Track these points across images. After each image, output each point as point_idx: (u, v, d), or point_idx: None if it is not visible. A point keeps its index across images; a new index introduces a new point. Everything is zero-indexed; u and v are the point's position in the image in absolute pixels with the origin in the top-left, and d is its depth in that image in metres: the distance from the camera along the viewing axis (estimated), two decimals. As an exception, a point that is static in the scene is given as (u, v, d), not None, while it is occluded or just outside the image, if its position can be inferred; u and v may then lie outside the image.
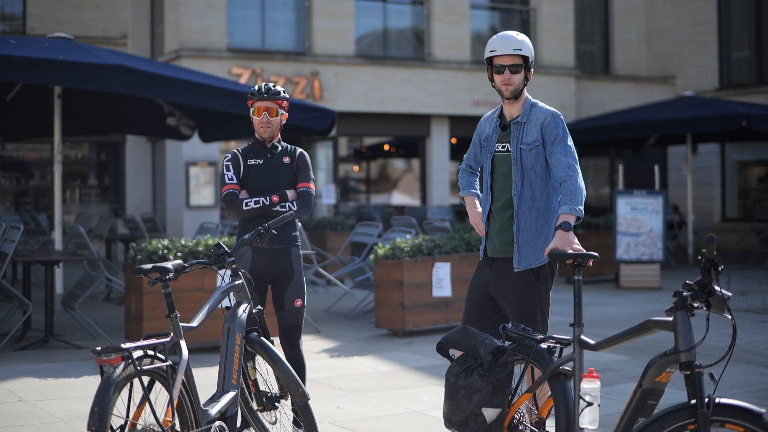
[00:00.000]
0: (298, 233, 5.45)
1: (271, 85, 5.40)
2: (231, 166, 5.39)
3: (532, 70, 4.65)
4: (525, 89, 4.66)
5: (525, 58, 4.58)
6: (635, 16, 22.28)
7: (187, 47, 16.97)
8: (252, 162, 5.39)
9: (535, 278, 4.58)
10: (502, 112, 4.74)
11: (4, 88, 10.44)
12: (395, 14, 19.45)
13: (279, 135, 5.47)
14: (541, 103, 4.69)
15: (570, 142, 4.58)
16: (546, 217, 4.60)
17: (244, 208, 5.29)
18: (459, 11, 19.35)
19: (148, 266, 4.07)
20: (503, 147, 4.68)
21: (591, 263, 4.15)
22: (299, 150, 5.51)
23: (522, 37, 4.63)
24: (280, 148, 5.44)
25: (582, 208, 4.43)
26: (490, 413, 4.12)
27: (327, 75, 18.00)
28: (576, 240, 4.36)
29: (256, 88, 5.39)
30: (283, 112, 5.41)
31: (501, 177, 4.69)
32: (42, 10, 19.47)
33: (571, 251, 4.23)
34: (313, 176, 5.52)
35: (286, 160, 5.42)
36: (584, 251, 4.20)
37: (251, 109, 5.38)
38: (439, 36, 19.17)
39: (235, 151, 5.44)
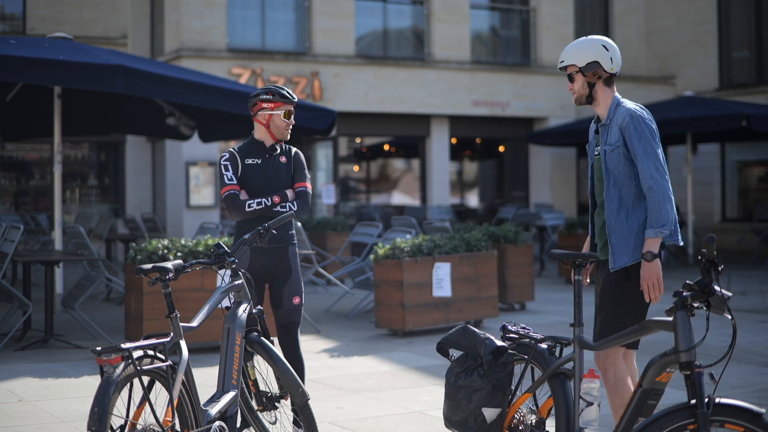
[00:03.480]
0: (294, 232, 5.47)
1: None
2: (230, 166, 5.37)
3: (600, 69, 4.54)
4: (604, 90, 4.58)
5: (577, 64, 4.56)
6: (635, 16, 22.29)
7: (187, 47, 16.97)
8: (250, 161, 5.39)
9: (626, 277, 4.43)
10: (598, 117, 4.71)
11: (4, 88, 10.44)
12: (395, 14, 19.45)
13: None
14: (626, 102, 4.57)
15: (649, 143, 4.41)
16: (636, 216, 4.47)
17: (247, 209, 5.29)
18: (459, 11, 19.35)
19: (148, 266, 4.07)
20: (597, 151, 4.66)
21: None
22: (294, 149, 5.54)
23: (574, 44, 4.62)
24: (278, 149, 5.45)
25: (669, 224, 4.31)
26: (490, 413, 4.12)
27: (327, 75, 18.00)
28: (660, 270, 4.27)
29: (284, 91, 5.41)
30: None
31: (597, 181, 4.65)
32: (42, 10, 19.47)
33: (563, 251, 4.22)
34: (308, 175, 5.54)
35: (283, 159, 5.44)
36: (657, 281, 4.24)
37: (276, 112, 5.37)
38: (439, 36, 19.17)
39: (231, 150, 5.43)
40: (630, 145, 4.46)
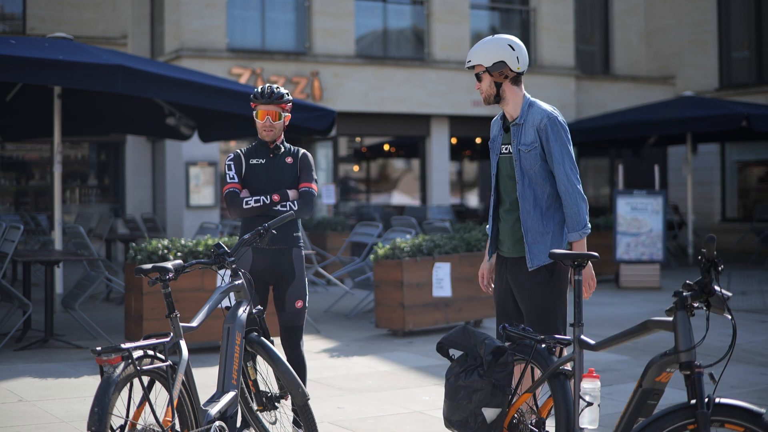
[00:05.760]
0: (300, 234, 5.43)
1: (274, 87, 5.36)
2: (233, 166, 5.38)
3: (506, 69, 4.58)
4: (512, 89, 4.63)
5: (483, 64, 4.60)
6: (635, 16, 22.28)
7: (187, 47, 16.97)
8: (254, 162, 5.37)
9: (549, 276, 4.57)
10: (505, 115, 4.77)
11: (4, 88, 10.44)
12: (395, 14, 19.45)
13: (282, 136, 5.46)
14: (539, 103, 4.67)
15: (565, 146, 4.57)
16: (550, 215, 4.61)
17: (245, 206, 5.27)
18: (459, 11, 19.35)
19: (148, 266, 4.07)
20: (506, 149, 4.72)
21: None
22: (302, 151, 5.49)
23: (480, 44, 4.64)
24: (283, 149, 5.42)
25: (587, 223, 4.57)
26: (490, 413, 4.12)
27: (327, 75, 18.00)
28: (593, 270, 4.51)
29: (259, 90, 5.34)
30: (287, 114, 5.39)
31: (506, 179, 4.73)
32: (42, 10, 19.47)
33: (564, 251, 4.29)
34: (315, 177, 5.48)
35: (289, 160, 5.40)
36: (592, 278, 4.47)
37: (254, 112, 5.36)
38: (439, 36, 19.17)
39: (237, 151, 5.44)
40: (546, 146, 4.58)
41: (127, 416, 3.78)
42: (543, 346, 4.15)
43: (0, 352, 8.22)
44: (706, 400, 3.28)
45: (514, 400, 4.22)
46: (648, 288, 13.49)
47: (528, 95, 4.70)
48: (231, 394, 4.25)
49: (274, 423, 4.78)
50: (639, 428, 3.36)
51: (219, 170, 17.62)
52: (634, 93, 21.49)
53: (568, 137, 4.62)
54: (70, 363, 7.85)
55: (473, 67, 4.65)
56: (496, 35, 4.72)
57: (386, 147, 21.48)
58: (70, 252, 10.16)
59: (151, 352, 3.86)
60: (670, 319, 3.48)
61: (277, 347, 4.72)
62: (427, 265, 9.48)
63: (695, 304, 3.44)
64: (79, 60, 8.63)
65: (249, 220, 5.33)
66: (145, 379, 3.84)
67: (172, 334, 4.04)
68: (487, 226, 4.94)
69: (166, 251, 8.16)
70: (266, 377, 4.75)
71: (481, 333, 4.26)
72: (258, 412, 4.76)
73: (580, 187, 4.57)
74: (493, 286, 4.88)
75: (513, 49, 4.60)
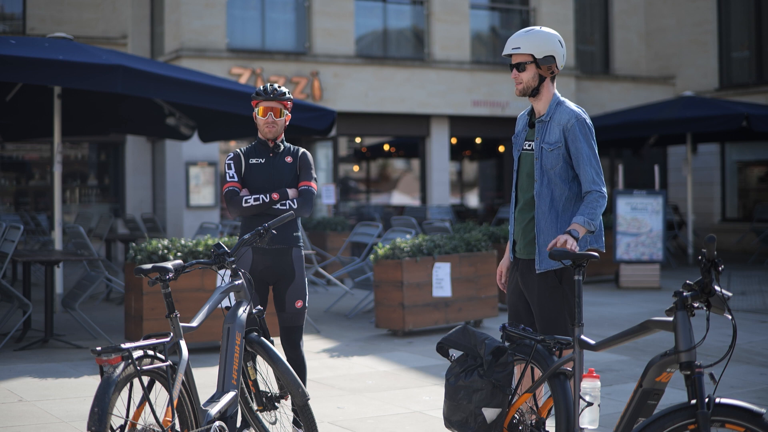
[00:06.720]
0: (300, 234, 5.43)
1: (276, 85, 5.39)
2: (232, 165, 5.39)
3: (554, 65, 4.52)
4: (549, 86, 4.57)
5: (533, 55, 4.50)
6: (635, 16, 22.28)
7: (187, 47, 16.97)
8: (254, 161, 5.38)
9: (559, 281, 4.49)
10: (533, 110, 4.69)
11: (4, 88, 10.44)
12: (395, 14, 19.45)
13: (282, 135, 5.47)
14: (567, 103, 4.60)
15: (592, 148, 4.51)
16: (565, 219, 4.50)
17: (244, 205, 5.28)
18: (459, 11, 19.36)
19: (148, 266, 4.07)
20: (529, 146, 4.62)
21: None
22: (302, 150, 5.50)
23: (531, 33, 4.53)
24: (282, 148, 5.43)
25: (597, 222, 4.42)
26: (490, 413, 4.12)
27: (327, 75, 18.01)
28: (571, 248, 4.26)
29: (262, 88, 5.38)
30: (287, 112, 5.41)
31: (525, 176, 4.63)
32: (42, 10, 19.47)
33: (564, 249, 4.23)
34: (315, 176, 5.48)
35: (289, 159, 5.41)
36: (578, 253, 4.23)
37: (256, 109, 5.37)
38: (439, 36, 19.18)
39: (237, 150, 5.45)
40: (573, 147, 4.48)
41: (127, 416, 3.78)
42: (543, 346, 4.15)
43: (0, 352, 8.22)
44: (707, 400, 3.28)
45: (514, 400, 4.22)
46: (648, 288, 13.49)
47: (558, 94, 4.61)
48: (231, 394, 4.25)
49: (274, 423, 4.78)
50: (639, 428, 3.36)
51: (219, 170, 17.62)
52: (634, 93, 21.49)
53: (595, 140, 4.54)
54: (70, 363, 7.85)
55: (510, 55, 4.55)
56: (542, 27, 4.61)
57: (386, 147, 21.48)
58: (70, 252, 10.15)
59: (151, 352, 3.86)
60: (670, 319, 3.48)
61: (277, 347, 4.72)
62: (427, 265, 9.48)
63: (695, 304, 3.44)
64: (79, 60, 8.63)
65: (249, 219, 5.34)
66: (145, 379, 3.84)
67: (172, 334, 4.04)
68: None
69: (166, 251, 8.16)
70: (266, 377, 4.75)
71: (481, 333, 4.26)
72: (258, 412, 4.76)
73: (605, 189, 4.48)
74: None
75: (562, 47, 4.54)
